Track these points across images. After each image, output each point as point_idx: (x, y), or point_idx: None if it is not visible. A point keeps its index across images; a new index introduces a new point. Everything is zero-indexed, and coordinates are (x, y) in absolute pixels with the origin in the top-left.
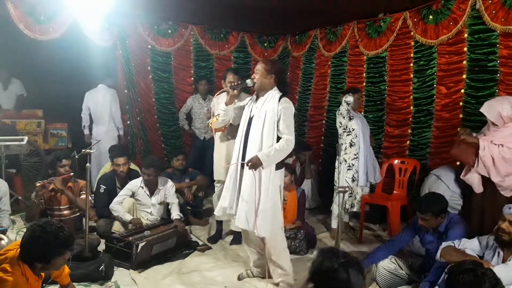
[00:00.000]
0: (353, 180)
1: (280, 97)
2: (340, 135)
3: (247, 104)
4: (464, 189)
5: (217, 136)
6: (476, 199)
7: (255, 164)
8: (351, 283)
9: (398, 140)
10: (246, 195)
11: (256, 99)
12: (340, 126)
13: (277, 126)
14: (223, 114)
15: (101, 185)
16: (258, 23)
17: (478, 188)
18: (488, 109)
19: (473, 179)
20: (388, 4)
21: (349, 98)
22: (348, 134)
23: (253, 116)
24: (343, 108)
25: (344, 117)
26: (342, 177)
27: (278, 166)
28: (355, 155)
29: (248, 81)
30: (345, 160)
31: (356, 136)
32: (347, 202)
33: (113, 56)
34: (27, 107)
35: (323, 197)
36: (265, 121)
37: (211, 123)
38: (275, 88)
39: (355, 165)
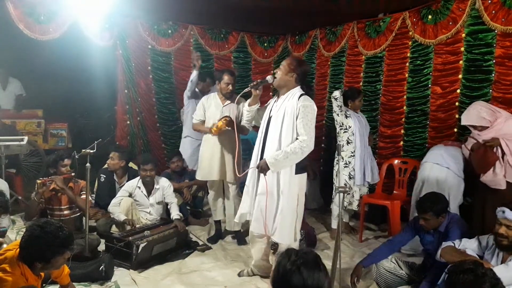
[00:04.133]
0: (350, 178)
1: (301, 95)
2: (338, 133)
3: (269, 104)
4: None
5: (208, 137)
6: (477, 197)
7: (262, 168)
8: (306, 281)
9: (392, 140)
10: (261, 200)
11: (277, 99)
12: (337, 124)
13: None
14: (247, 115)
15: (101, 175)
16: (258, 23)
17: (503, 183)
18: (467, 117)
19: (498, 180)
20: (388, 4)
21: (335, 93)
22: (345, 132)
23: (271, 116)
24: (334, 105)
25: (338, 114)
26: (341, 176)
27: (298, 170)
28: (352, 153)
29: (269, 77)
30: (342, 158)
31: (353, 134)
32: (345, 199)
33: (113, 56)
34: (27, 107)
35: (325, 198)
36: (284, 120)
37: (215, 129)
38: (298, 88)
39: (352, 163)
